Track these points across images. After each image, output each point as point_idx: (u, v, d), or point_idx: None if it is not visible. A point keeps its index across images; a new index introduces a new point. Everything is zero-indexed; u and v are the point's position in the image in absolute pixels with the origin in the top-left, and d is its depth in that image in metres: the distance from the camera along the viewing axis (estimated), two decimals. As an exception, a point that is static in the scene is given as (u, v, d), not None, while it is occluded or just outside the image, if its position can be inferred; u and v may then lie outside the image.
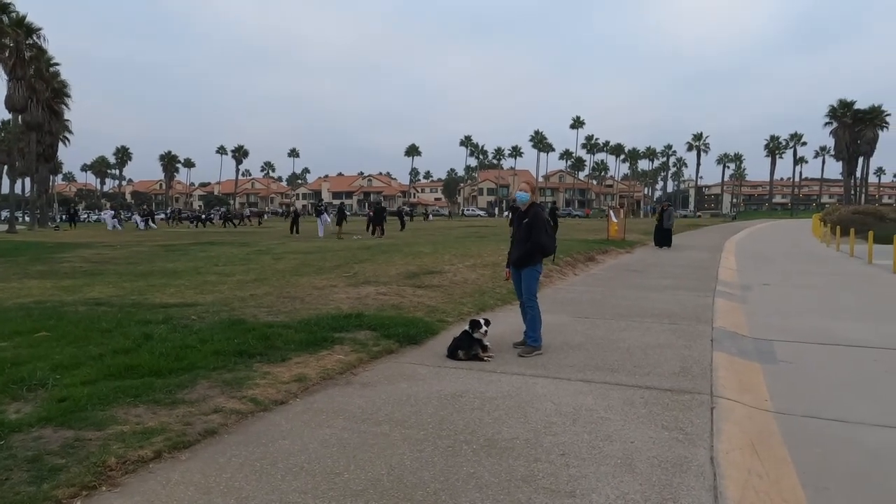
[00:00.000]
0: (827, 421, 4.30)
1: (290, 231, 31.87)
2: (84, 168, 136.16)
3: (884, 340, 6.84)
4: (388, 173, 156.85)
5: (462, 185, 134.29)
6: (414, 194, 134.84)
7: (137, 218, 45.82)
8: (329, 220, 31.39)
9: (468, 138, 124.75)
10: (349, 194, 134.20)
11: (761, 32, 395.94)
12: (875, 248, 17.37)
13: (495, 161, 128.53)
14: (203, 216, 57.79)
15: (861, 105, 74.70)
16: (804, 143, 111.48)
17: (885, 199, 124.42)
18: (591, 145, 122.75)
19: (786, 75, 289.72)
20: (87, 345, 5.70)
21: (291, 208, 42.80)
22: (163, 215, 68.77)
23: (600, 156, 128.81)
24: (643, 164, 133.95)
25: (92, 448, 3.45)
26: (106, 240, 27.31)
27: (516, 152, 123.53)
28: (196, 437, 3.75)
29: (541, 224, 6.08)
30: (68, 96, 50.03)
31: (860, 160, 78.75)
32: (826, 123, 76.54)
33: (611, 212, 26.67)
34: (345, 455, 3.55)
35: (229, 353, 5.44)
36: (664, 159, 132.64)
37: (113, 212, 49.41)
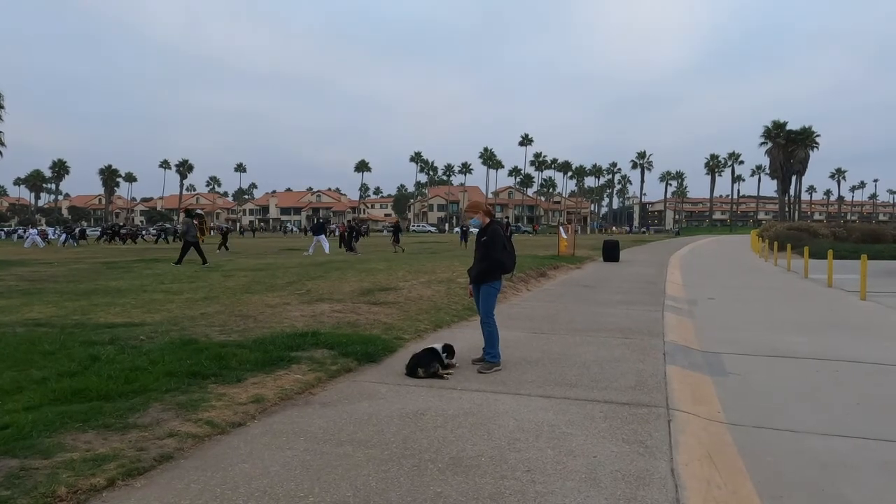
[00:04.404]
0: (777, 431, 4.45)
1: (218, 248, 30.77)
2: (17, 182, 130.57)
3: (823, 351, 7.15)
4: (337, 189, 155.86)
5: (412, 200, 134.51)
6: (364, 210, 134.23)
7: (54, 234, 43.85)
8: (326, 240, 28.75)
9: (418, 154, 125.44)
10: (297, 210, 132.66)
11: (690, 59, 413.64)
12: (810, 263, 18.18)
13: (445, 177, 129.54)
14: (128, 231, 54.88)
15: (792, 126, 78.69)
16: (741, 162, 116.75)
17: (816, 216, 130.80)
18: (539, 162, 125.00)
19: (719, 98, 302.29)
20: (29, 368, 5.43)
21: (225, 226, 41.74)
22: (97, 231, 65.24)
23: (548, 173, 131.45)
24: (590, 182, 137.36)
25: (39, 478, 3.27)
26: (42, 257, 26.17)
27: (466, 169, 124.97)
28: (151, 463, 3.61)
29: (498, 241, 6.13)
30: (1, 107, 48.01)
31: (793, 178, 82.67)
32: (761, 143, 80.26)
33: (560, 228, 27.11)
34: (308, 477, 3.48)
35: (182, 374, 5.27)
36: (610, 177, 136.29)
37: (36, 230, 47.15)
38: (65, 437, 3.85)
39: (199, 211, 24.05)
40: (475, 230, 6.50)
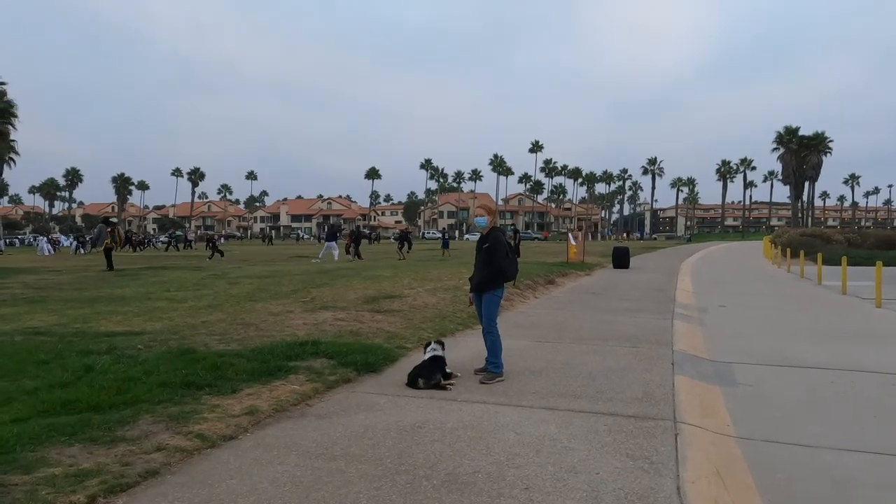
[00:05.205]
0: (788, 445, 4.26)
1: (209, 256, 30.96)
2: (32, 190, 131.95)
3: (838, 361, 6.93)
4: (348, 196, 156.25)
5: (422, 207, 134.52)
6: (374, 217, 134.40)
7: (67, 241, 44.28)
8: (336, 248, 28.63)
9: (428, 161, 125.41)
10: (308, 217, 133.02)
11: (700, 63, 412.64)
12: (823, 270, 17.88)
13: (455, 184, 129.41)
14: (138, 239, 55.32)
15: (805, 132, 77.96)
16: (753, 168, 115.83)
17: (830, 222, 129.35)
18: (549, 169, 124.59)
19: (731, 102, 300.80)
20: (21, 378, 5.34)
21: (211, 233, 42.18)
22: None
23: (558, 179, 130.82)
24: (600, 188, 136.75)
25: (17, 494, 3.16)
26: (52, 265, 26.28)
27: (476, 175, 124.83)
28: (135, 479, 3.48)
29: (501, 248, 5.99)
30: (15, 116, 48.50)
31: (806, 184, 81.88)
32: (774, 149, 79.53)
33: (570, 235, 26.91)
34: (297, 494, 3.34)
35: (176, 384, 5.16)
36: (620, 183, 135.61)
37: (46, 238, 47.61)
38: (49, 451, 3.74)
39: (113, 219, 25.24)
40: (466, 236, 6.41)
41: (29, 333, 7.71)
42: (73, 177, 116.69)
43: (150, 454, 3.80)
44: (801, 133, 77.71)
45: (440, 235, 48.82)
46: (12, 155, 52.86)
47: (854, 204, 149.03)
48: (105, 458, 3.68)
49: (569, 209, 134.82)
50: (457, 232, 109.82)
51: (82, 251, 42.60)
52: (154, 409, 4.60)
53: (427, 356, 5.84)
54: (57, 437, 3.92)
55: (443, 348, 5.96)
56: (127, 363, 5.88)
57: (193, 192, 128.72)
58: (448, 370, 5.86)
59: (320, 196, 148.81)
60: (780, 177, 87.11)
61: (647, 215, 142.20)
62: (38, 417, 4.31)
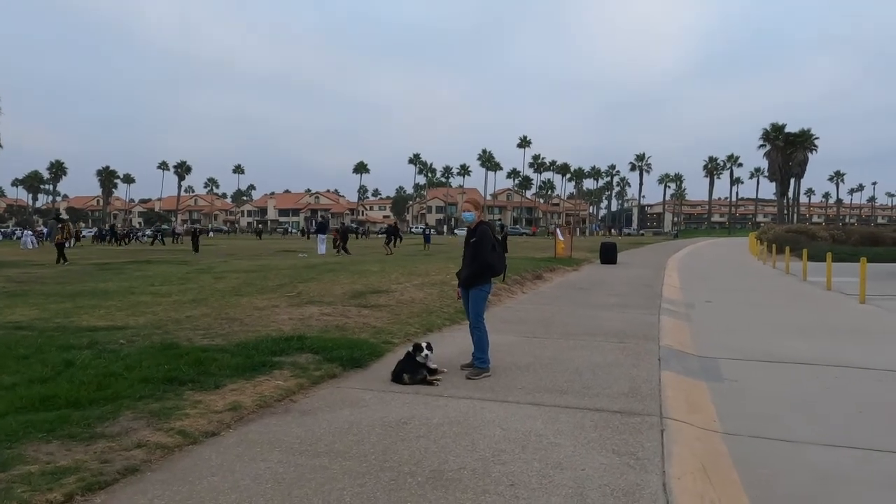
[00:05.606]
0: (774, 441, 4.27)
1: (193, 250, 30.79)
2: (15, 183, 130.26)
3: (822, 357, 6.97)
4: (335, 190, 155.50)
5: (411, 202, 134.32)
6: (362, 212, 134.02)
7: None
8: (324, 242, 28.72)
9: (417, 156, 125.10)
10: (296, 211, 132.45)
11: (688, 62, 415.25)
12: (809, 266, 18.02)
13: (444, 179, 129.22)
14: (123, 232, 55.09)
15: (791, 129, 78.57)
16: (740, 165, 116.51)
17: (815, 219, 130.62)
18: (538, 164, 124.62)
19: (719, 101, 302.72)
20: (0, 374, 5.24)
21: (195, 226, 42.37)
22: (89, 232, 64.98)
23: (547, 175, 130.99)
24: (588, 184, 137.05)
25: (-8, 493, 3.09)
26: (36, 258, 25.96)
27: (464, 171, 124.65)
28: (114, 477, 3.42)
29: (487, 243, 5.94)
30: (-2, 109, 47.67)
31: (792, 181, 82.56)
32: (760, 146, 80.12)
33: (557, 230, 26.96)
34: (279, 492, 3.29)
35: (158, 380, 5.08)
36: (608, 179, 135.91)
37: (30, 232, 47.24)
38: (26, 448, 3.66)
39: (63, 216, 26.74)
40: (455, 231, 6.35)
41: (9, 328, 7.59)
42: (58, 170, 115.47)
43: (130, 451, 3.74)
44: (787, 130, 78.36)
45: (421, 230, 50.66)
46: (-5, 147, 52.08)
47: (839, 201, 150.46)
48: (83, 456, 3.61)
49: (557, 205, 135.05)
50: (445, 227, 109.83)
51: (67, 245, 42.14)
52: (135, 405, 4.53)
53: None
54: (34, 434, 3.84)
55: (417, 352, 5.72)
56: (108, 358, 5.79)
57: (180, 186, 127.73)
58: (434, 366, 5.82)
59: (308, 190, 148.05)
60: (766, 173, 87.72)
61: (635, 211, 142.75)
62: (15, 413, 4.23)
